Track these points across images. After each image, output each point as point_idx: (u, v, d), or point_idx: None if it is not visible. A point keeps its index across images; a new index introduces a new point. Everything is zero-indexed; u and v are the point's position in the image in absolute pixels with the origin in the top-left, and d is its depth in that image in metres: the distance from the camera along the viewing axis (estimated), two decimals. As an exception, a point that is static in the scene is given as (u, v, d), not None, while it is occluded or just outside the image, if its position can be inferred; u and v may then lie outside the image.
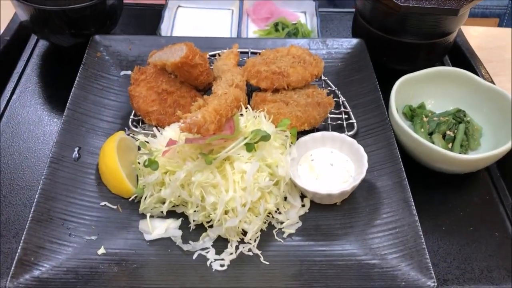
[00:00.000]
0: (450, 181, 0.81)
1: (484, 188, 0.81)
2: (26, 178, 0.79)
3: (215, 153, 0.66)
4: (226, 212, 0.67)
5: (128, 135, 0.79)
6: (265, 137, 0.68)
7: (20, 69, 0.98)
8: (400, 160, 0.75)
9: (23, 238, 0.64)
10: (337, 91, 0.87)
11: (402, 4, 0.83)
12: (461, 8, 0.84)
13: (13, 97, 0.92)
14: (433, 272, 0.62)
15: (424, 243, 0.65)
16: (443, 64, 1.02)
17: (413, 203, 0.69)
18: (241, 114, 0.74)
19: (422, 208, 0.75)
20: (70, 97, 0.82)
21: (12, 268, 0.61)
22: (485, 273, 0.70)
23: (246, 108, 0.75)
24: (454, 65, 1.01)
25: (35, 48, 1.02)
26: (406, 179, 0.72)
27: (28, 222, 0.65)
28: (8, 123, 0.88)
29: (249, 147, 0.67)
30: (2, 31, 1.01)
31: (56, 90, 0.95)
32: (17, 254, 0.62)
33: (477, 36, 1.14)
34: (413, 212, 0.69)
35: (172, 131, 0.73)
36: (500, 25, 1.64)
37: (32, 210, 0.67)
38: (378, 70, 0.89)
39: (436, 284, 0.61)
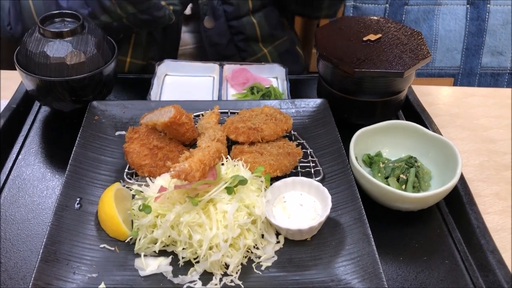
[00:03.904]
0: (405, 217, 0.92)
1: (435, 223, 0.93)
2: (32, 227, 0.88)
3: (200, 196, 0.78)
4: (210, 248, 0.77)
5: (123, 186, 0.90)
6: (243, 181, 0.79)
7: (25, 132, 1.09)
8: (360, 200, 0.86)
9: (33, 276, 0.72)
10: (305, 143, 1.00)
11: (355, 70, 0.98)
12: (406, 70, 0.99)
13: (19, 157, 1.03)
14: (389, 292, 0.73)
15: (381, 269, 0.75)
16: (397, 118, 1.17)
17: (371, 236, 0.80)
18: (222, 164, 0.86)
19: (382, 242, 0.85)
20: (72, 154, 0.92)
21: (24, 302, 0.70)
22: (437, 295, 0.81)
23: (227, 158, 0.87)
24: (407, 119, 1.15)
25: (37, 114, 1.14)
26: (365, 216, 0.83)
27: (37, 262, 0.74)
28: (15, 180, 0.98)
29: (229, 190, 0.79)
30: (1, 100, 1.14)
31: (56, 150, 1.06)
32: (29, 289, 0.71)
33: (428, 93, 1.30)
34: (372, 243, 0.79)
35: (162, 180, 0.84)
36: (455, 83, 1.82)
37: (40, 252, 0.76)
38: (340, 125, 1.02)
39: (391, 302, 0.72)
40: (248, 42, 1.43)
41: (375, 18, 1.15)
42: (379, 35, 1.07)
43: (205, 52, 1.41)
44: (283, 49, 1.48)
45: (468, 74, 1.81)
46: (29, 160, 1.03)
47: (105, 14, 1.15)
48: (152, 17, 1.17)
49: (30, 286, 0.71)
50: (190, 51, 1.46)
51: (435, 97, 1.31)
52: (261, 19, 1.41)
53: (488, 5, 1.72)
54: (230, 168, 0.84)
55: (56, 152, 1.06)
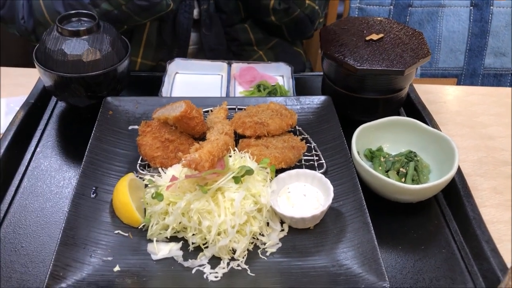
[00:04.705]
0: (405, 209, 0.96)
1: (433, 214, 0.97)
2: (50, 215, 0.94)
3: (209, 185, 0.82)
4: (219, 234, 0.81)
5: (137, 176, 0.95)
6: (249, 171, 0.84)
7: (42, 126, 1.14)
8: (361, 191, 0.90)
9: (53, 258, 0.77)
10: (309, 138, 1.05)
11: (358, 67, 1.03)
12: (406, 69, 1.03)
13: (37, 150, 1.08)
14: (386, 277, 0.76)
15: (379, 254, 0.79)
16: (399, 115, 1.20)
17: (371, 224, 0.84)
18: (230, 156, 0.91)
19: (382, 232, 0.89)
20: (88, 147, 0.97)
21: (46, 281, 0.74)
22: (434, 282, 0.84)
23: (234, 151, 0.92)
24: (408, 116, 1.19)
25: (54, 109, 1.20)
26: (365, 206, 0.88)
27: (57, 246, 0.79)
28: (33, 170, 1.03)
29: (237, 179, 0.83)
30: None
31: (72, 143, 1.11)
32: (49, 270, 0.76)
33: (430, 92, 1.34)
34: (371, 231, 0.83)
35: (174, 171, 0.89)
36: (458, 84, 1.86)
37: (59, 236, 0.81)
38: (343, 121, 1.06)
39: (389, 285, 0.76)
40: (243, 46, 1.49)
41: (378, 18, 1.20)
42: (381, 35, 1.11)
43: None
44: (278, 49, 1.53)
45: (471, 75, 1.84)
46: (46, 152, 1.08)
47: (105, 2, 1.21)
48: (149, 3, 1.22)
49: (50, 267, 0.76)
50: (197, 51, 1.51)
51: (437, 95, 1.35)
52: (252, 24, 1.47)
53: (491, 7, 1.75)
54: (237, 160, 0.89)
55: (72, 145, 1.11)
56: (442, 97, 1.35)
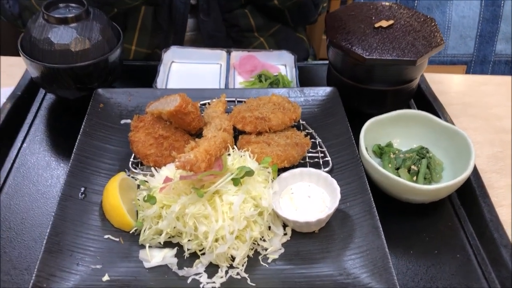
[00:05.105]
0: (417, 210, 0.90)
1: (447, 216, 0.90)
2: (36, 217, 0.87)
3: (206, 188, 0.76)
4: (216, 240, 0.75)
5: (128, 176, 0.88)
6: (249, 173, 0.77)
7: (30, 120, 1.08)
8: (370, 191, 0.84)
9: (37, 267, 0.71)
10: (313, 133, 0.98)
11: (367, 57, 0.95)
12: (419, 58, 0.96)
13: (23, 145, 1.02)
14: (398, 286, 0.71)
15: (391, 263, 0.73)
16: (409, 107, 1.14)
17: (381, 229, 0.78)
18: (229, 154, 0.84)
19: (392, 235, 0.83)
20: (76, 143, 0.91)
21: (28, 293, 0.69)
22: (448, 291, 0.79)
23: (233, 148, 0.85)
24: (419, 108, 1.13)
25: (43, 102, 1.13)
26: (375, 208, 0.81)
27: (41, 253, 0.73)
28: (19, 168, 0.97)
29: (236, 181, 0.77)
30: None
31: (61, 138, 1.04)
32: (32, 281, 0.70)
33: (440, 82, 1.27)
34: (381, 236, 0.77)
35: (168, 171, 0.83)
36: (467, 71, 1.78)
37: (44, 243, 0.75)
38: (350, 114, 0.99)
39: (401, 297, 0.70)
40: (243, 33, 1.41)
41: (387, 4, 1.12)
42: (391, 22, 1.04)
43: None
44: (280, 36, 1.45)
45: (482, 62, 1.76)
46: (34, 148, 1.02)
47: None
48: None
49: (33, 278, 0.70)
50: (195, 37, 1.44)
51: (447, 85, 1.28)
52: (253, 9, 1.39)
53: (504, -9, 1.67)
54: (237, 159, 0.82)
55: (61, 140, 1.04)
56: (453, 87, 1.28)
